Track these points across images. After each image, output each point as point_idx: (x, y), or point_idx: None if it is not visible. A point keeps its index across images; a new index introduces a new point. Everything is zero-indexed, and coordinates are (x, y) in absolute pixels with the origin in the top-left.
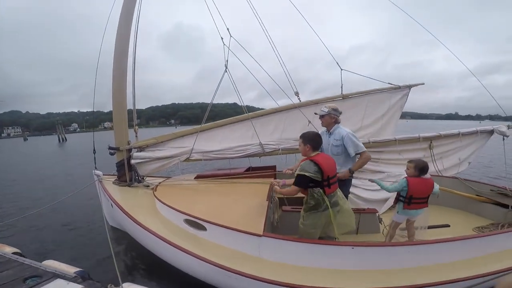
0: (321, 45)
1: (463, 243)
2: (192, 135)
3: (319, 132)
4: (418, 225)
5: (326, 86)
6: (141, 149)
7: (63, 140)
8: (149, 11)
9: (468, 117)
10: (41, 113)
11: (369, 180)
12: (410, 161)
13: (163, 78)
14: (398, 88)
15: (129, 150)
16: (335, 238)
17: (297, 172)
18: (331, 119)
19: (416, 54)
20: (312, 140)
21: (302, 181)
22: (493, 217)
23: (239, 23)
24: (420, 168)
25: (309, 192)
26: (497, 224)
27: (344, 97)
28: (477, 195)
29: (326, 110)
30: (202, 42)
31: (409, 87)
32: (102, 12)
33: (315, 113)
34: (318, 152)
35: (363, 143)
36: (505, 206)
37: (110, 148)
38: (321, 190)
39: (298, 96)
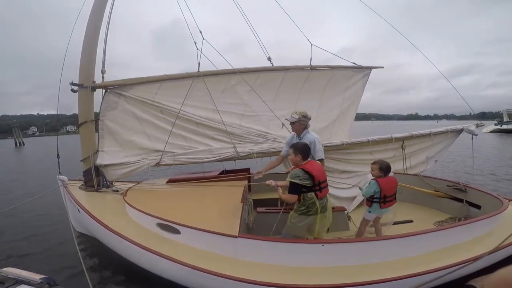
0: (308, 49)
1: (424, 237)
2: (158, 83)
3: (290, 137)
4: (385, 222)
5: None
6: (106, 88)
7: (20, 145)
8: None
9: (427, 117)
10: None
11: (354, 185)
12: (373, 163)
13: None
14: (360, 68)
15: (93, 89)
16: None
17: (289, 179)
18: (301, 126)
19: (400, 56)
20: (302, 151)
21: (295, 188)
22: (451, 211)
23: (233, 24)
24: (385, 168)
25: (302, 197)
26: (455, 218)
27: (312, 68)
28: (435, 191)
29: (296, 117)
30: (183, 44)
31: (370, 68)
32: (76, 7)
33: (286, 119)
34: (308, 160)
35: (336, 145)
36: (460, 200)
37: (72, 84)
38: (313, 194)
39: (270, 61)
